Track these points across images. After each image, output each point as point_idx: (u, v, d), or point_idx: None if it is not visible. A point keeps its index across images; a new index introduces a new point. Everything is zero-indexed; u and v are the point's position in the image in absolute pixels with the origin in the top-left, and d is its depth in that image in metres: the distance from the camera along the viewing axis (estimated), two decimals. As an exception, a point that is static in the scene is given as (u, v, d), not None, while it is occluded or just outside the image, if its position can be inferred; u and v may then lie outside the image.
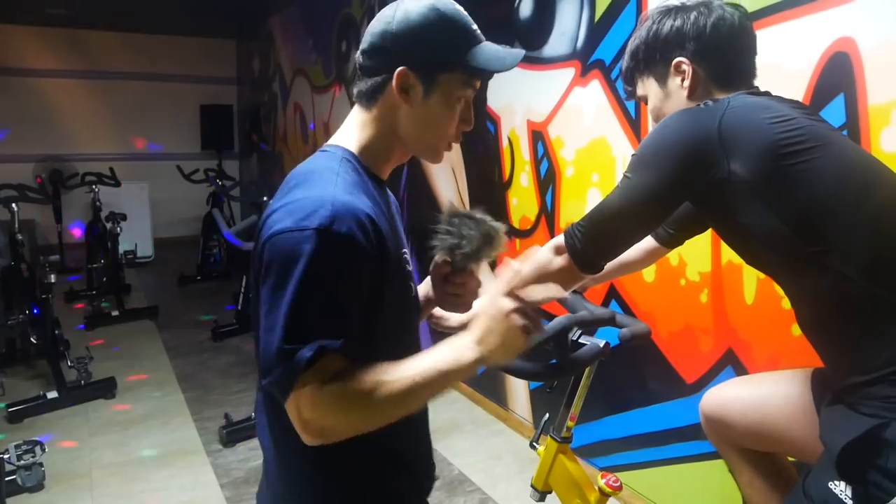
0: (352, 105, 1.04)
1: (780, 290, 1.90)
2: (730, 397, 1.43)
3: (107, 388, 3.52)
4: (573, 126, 2.74)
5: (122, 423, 3.22)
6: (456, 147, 3.57)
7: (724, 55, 1.19)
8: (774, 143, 1.03)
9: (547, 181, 2.91)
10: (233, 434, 2.95)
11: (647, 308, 2.44)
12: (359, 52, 1.00)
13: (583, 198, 2.69)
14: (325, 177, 0.92)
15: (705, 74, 1.19)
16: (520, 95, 3.07)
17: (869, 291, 0.99)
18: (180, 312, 5.24)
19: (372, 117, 1.00)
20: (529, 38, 2.95)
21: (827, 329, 1.10)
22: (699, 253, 2.16)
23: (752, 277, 2.01)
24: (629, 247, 1.24)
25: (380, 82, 0.97)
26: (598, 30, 2.54)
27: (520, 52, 0.98)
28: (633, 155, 1.17)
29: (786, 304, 1.90)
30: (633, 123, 2.42)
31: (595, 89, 2.59)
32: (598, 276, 1.26)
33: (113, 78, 7.66)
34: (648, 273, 2.38)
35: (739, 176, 1.04)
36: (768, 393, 1.36)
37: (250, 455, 2.85)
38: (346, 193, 0.89)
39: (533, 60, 2.92)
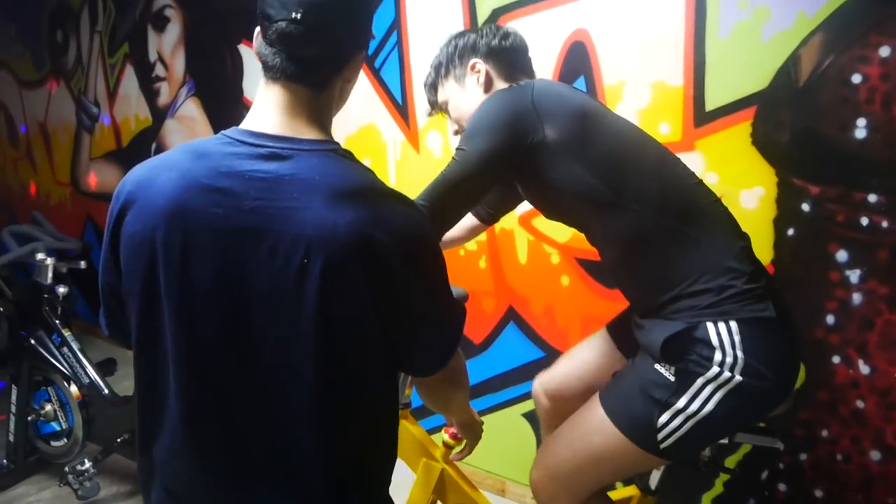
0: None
1: (548, 249, 2.21)
2: (564, 372, 1.64)
3: None
4: (340, 114, 2.78)
5: None
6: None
7: (508, 56, 1.44)
8: (577, 109, 1.26)
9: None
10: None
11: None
12: (306, 28, 0.86)
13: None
14: (389, 187, 0.94)
15: (496, 72, 1.43)
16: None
17: (660, 223, 1.24)
18: None
19: (325, 101, 0.94)
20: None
21: (630, 263, 1.32)
22: (475, 224, 2.38)
23: (523, 240, 2.28)
24: (463, 216, 1.36)
25: (341, 65, 0.93)
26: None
27: None
28: (463, 132, 1.31)
29: (554, 259, 2.20)
30: (401, 109, 2.56)
31: (360, 78, 2.67)
32: None
33: None
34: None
35: (552, 137, 1.23)
36: (588, 358, 1.60)
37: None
38: None
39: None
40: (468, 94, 1.44)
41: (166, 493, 0.94)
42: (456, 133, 1.49)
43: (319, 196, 0.83)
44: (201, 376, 0.87)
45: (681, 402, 1.20)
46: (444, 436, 1.67)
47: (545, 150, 1.24)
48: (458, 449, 1.65)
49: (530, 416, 2.40)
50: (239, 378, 0.87)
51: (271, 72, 0.90)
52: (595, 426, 1.30)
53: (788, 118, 1.70)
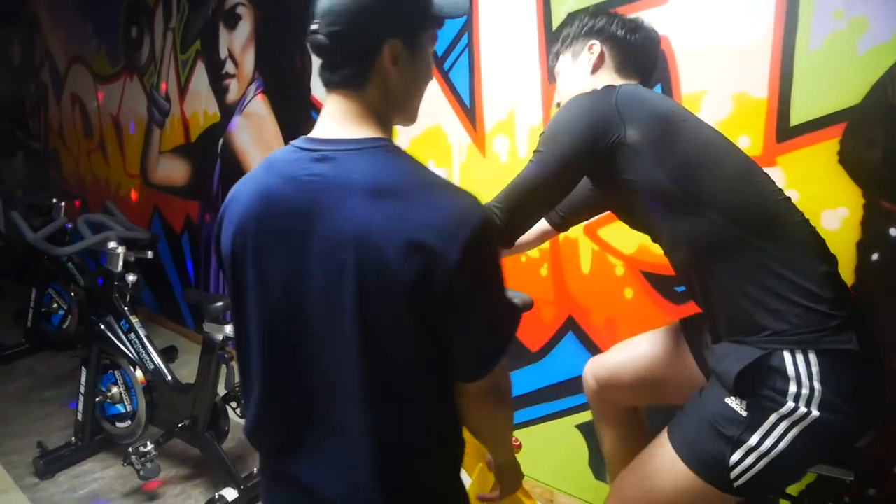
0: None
1: (613, 260, 2.17)
2: (617, 362, 1.62)
3: None
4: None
5: None
6: (278, 138, 3.48)
7: (628, 49, 1.43)
8: (660, 112, 1.25)
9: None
10: (51, 464, 2.60)
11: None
12: (325, 37, 0.91)
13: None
14: (440, 179, 0.92)
15: (610, 58, 1.43)
16: (348, 86, 3.06)
17: (735, 235, 1.19)
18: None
19: (372, 98, 0.95)
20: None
21: (702, 275, 1.28)
22: (538, 231, 2.35)
23: (587, 250, 2.24)
24: (540, 219, 1.35)
25: (368, 61, 0.93)
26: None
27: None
28: (541, 134, 1.30)
29: (619, 271, 2.16)
30: (469, 112, 2.54)
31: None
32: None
33: None
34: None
35: (633, 138, 1.22)
36: (648, 351, 1.57)
37: (75, 483, 2.53)
38: None
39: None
40: (576, 70, 1.46)
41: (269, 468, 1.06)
42: (557, 106, 1.51)
43: (357, 195, 0.87)
44: (278, 359, 0.96)
45: (753, 440, 1.15)
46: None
47: (624, 150, 1.23)
48: (487, 490, 1.51)
49: (583, 428, 2.36)
50: (307, 362, 0.94)
51: (323, 84, 0.98)
52: (665, 464, 1.26)
53: (882, 137, 1.62)
